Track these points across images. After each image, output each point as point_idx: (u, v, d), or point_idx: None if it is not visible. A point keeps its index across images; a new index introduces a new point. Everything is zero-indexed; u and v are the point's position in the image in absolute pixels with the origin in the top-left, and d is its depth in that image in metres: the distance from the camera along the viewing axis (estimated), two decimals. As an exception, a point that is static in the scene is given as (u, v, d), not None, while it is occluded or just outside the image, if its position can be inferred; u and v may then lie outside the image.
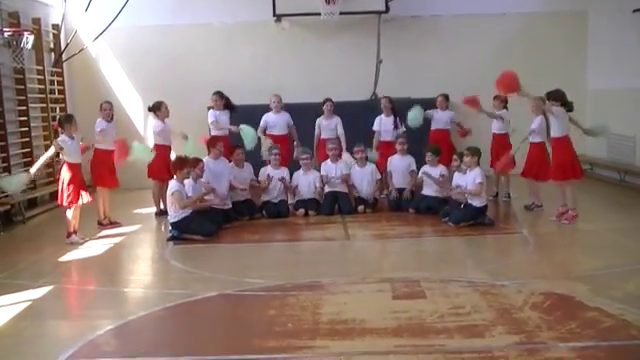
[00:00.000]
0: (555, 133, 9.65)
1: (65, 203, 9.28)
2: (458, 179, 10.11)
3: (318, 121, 11.91)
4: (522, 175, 10.72)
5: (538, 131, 10.15)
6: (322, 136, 11.85)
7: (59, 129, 9.43)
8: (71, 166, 9.31)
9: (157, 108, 11.15)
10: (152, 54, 14.63)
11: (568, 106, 9.67)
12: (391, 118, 11.88)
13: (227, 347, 5.55)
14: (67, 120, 9.50)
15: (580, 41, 14.89)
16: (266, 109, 11.91)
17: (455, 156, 10.40)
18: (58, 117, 9.83)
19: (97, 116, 10.65)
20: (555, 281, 6.98)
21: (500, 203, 11.53)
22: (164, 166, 10.70)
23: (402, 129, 11.76)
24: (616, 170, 13.44)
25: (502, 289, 6.70)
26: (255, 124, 11.68)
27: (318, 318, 6.04)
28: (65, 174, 9.29)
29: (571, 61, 14.82)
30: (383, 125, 11.90)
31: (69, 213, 9.35)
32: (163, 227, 10.37)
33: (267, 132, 11.74)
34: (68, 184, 9.25)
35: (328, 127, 11.83)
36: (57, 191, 9.57)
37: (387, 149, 11.67)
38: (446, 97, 12.16)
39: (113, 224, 10.52)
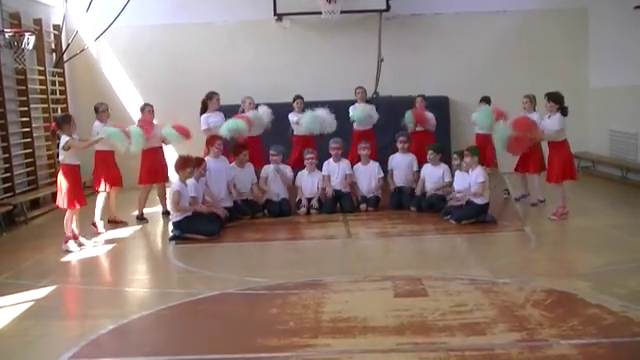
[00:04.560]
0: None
1: (65, 205, 9.03)
2: (459, 178, 10.13)
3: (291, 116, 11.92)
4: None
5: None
6: (296, 133, 11.90)
7: (57, 130, 9.12)
8: (72, 168, 9.11)
9: (141, 111, 11.12)
10: (153, 54, 14.67)
11: (564, 110, 9.68)
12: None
13: (229, 346, 5.55)
14: (65, 120, 9.15)
15: (581, 38, 14.89)
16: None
17: (455, 155, 10.40)
18: (55, 117, 9.62)
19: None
20: (557, 278, 6.98)
21: (504, 201, 11.52)
22: (153, 169, 10.74)
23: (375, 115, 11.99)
24: (618, 167, 13.43)
25: (504, 287, 6.70)
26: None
27: (320, 316, 6.05)
28: (67, 176, 9.01)
29: (572, 58, 14.84)
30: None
31: (69, 216, 9.15)
32: (165, 227, 10.39)
33: None
34: (73, 186, 9.03)
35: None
36: (56, 193, 9.41)
37: (360, 138, 11.72)
38: (424, 97, 12.11)
39: (118, 222, 10.62)
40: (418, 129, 11.90)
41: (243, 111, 11.52)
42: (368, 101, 12.23)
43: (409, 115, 11.76)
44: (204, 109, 11.34)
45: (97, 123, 10.43)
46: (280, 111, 12.01)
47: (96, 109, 10.59)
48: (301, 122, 11.60)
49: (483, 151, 11.08)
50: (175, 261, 8.54)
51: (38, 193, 12.24)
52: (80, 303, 7.21)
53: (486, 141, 11.13)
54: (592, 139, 14.45)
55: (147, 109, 11.06)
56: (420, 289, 6.72)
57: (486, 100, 11.62)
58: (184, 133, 10.84)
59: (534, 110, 10.71)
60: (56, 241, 9.48)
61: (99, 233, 10.10)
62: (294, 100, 11.92)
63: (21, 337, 5.89)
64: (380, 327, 5.69)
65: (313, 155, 11.11)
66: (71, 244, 9.09)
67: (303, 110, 11.74)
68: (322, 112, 11.54)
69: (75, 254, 8.88)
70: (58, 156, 9.33)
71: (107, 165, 10.43)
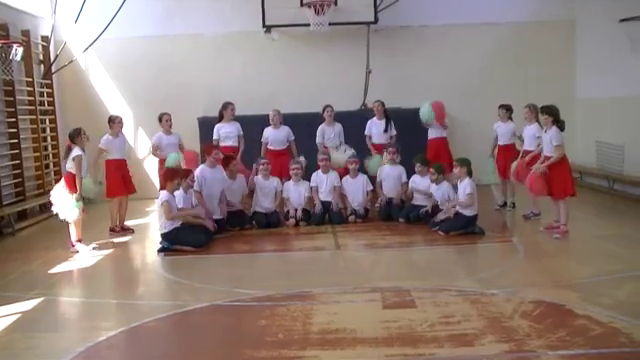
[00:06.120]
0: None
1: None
2: (435, 191, 10.36)
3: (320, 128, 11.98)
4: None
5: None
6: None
7: (71, 144, 9.49)
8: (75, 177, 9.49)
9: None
10: (142, 65, 14.65)
11: (561, 124, 9.37)
12: (383, 121, 12.03)
13: (218, 358, 5.54)
14: (76, 134, 9.62)
15: (568, 50, 15.01)
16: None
17: (432, 169, 10.39)
18: (69, 133, 9.82)
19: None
20: (545, 289, 6.99)
21: (494, 212, 11.48)
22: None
23: (393, 132, 11.99)
24: (605, 178, 13.51)
25: (492, 298, 6.72)
26: (247, 134, 11.74)
27: (309, 328, 6.04)
28: (70, 184, 9.46)
29: (559, 70, 14.94)
30: (375, 128, 12.04)
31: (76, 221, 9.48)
32: (154, 238, 10.36)
33: (268, 147, 11.76)
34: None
35: (329, 135, 11.91)
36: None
37: (379, 152, 11.79)
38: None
39: (125, 230, 10.82)
40: (432, 136, 11.94)
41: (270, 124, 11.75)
42: (386, 112, 12.16)
43: (427, 110, 11.72)
44: (220, 119, 11.63)
45: (107, 137, 10.64)
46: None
47: (112, 120, 10.78)
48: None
49: (504, 163, 11.14)
50: (163, 272, 8.52)
51: (25, 205, 12.17)
52: (68, 315, 7.16)
53: (506, 152, 11.23)
54: (579, 150, 14.51)
55: (165, 118, 11.31)
56: (408, 300, 6.73)
57: (506, 108, 11.46)
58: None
59: (536, 120, 10.44)
60: (44, 253, 9.48)
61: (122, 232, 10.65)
62: (324, 110, 12.00)
63: (8, 350, 5.85)
64: (369, 339, 5.70)
65: (298, 166, 11.09)
66: (81, 245, 9.55)
67: (334, 120, 11.94)
68: (336, 155, 11.57)
69: (62, 265, 8.86)
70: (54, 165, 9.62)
71: (118, 173, 10.61)
